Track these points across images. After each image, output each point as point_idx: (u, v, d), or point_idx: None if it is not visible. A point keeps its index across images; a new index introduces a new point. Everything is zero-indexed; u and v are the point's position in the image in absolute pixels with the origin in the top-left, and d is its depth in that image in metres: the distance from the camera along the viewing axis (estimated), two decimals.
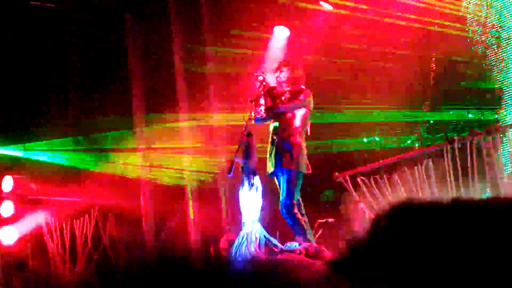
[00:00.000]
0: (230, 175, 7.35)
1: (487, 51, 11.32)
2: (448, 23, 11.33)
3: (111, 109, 12.46)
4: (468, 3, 11.33)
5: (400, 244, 1.56)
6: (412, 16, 11.46)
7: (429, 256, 1.46)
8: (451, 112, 11.46)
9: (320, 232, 8.30)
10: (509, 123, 10.39)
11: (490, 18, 11.27)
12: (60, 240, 10.63)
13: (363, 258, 1.73)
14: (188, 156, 12.27)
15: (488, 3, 11.22)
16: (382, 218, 1.75)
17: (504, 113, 10.90)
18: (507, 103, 10.95)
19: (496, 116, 11.16)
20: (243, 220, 7.31)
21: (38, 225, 11.05)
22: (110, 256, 10.94)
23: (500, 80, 10.99)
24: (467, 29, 11.33)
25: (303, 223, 7.30)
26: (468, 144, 7.99)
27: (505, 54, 10.98)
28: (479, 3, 11.35)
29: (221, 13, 12.38)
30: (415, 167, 8.65)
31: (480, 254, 1.42)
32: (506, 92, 10.96)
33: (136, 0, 12.75)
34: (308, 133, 7.67)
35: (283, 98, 7.52)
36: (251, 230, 7.11)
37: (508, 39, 10.91)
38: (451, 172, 8.35)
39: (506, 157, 9.10)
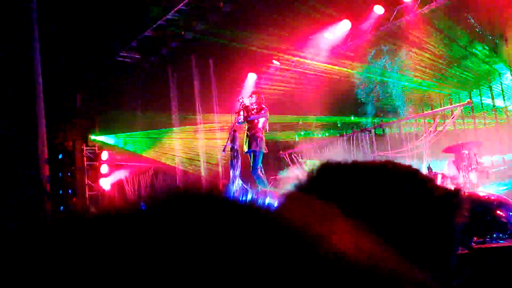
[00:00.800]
0: (223, 152, 10.69)
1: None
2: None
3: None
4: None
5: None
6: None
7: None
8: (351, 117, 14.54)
9: (271, 183, 11.18)
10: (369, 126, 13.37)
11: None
12: (132, 185, 13.97)
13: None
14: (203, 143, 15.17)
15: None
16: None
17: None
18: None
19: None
20: (231, 176, 10.18)
21: (120, 178, 14.36)
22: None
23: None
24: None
25: (263, 179, 9.96)
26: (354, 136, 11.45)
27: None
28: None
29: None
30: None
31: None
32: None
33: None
34: (267, 130, 10.29)
35: (253, 111, 10.10)
36: (235, 181, 9.92)
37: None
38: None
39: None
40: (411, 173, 1.14)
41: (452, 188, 1.16)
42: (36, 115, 12.47)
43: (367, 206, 1.02)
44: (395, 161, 1.15)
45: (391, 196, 1.05)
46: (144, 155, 15.06)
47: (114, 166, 14.71)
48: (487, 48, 11.77)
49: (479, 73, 12.17)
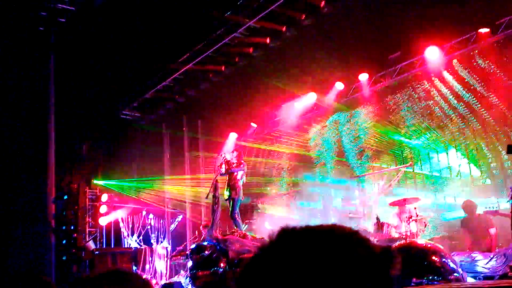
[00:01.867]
0: (206, 199, 10.78)
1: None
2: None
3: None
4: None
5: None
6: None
7: None
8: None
9: (246, 227, 11.29)
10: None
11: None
12: (127, 224, 13.85)
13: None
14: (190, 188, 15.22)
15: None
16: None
17: None
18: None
19: None
20: (212, 219, 10.31)
21: (117, 217, 14.19)
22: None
23: None
24: None
25: (239, 222, 10.12)
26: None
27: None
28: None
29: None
30: None
31: None
32: None
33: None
34: (245, 182, 10.45)
35: (233, 165, 10.23)
36: (216, 222, 10.13)
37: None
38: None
39: None
40: (354, 236, 1.17)
41: (386, 245, 1.22)
42: (47, 161, 12.53)
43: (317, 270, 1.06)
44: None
45: (337, 259, 1.08)
46: (138, 198, 14.94)
47: (112, 207, 14.64)
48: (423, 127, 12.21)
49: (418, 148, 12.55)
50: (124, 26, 12.22)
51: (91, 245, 13.62)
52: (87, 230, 14.01)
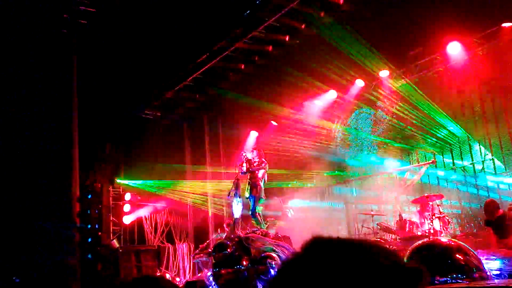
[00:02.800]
0: (228, 197, 10.79)
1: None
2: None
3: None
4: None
5: None
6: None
7: None
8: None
9: (268, 224, 10.89)
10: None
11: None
12: (149, 222, 14.02)
13: None
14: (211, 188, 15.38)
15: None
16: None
17: None
18: None
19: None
20: (233, 218, 10.27)
21: (140, 216, 14.37)
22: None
23: None
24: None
25: (261, 220, 10.05)
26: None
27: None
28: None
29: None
30: None
31: None
32: None
33: None
34: (266, 181, 10.26)
35: (254, 164, 10.16)
36: (238, 220, 10.09)
37: None
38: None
39: None
40: (384, 250, 1.19)
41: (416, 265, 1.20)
42: (71, 160, 12.75)
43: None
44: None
45: (367, 274, 1.11)
46: (161, 196, 15.06)
47: (136, 205, 14.78)
48: (449, 118, 12.03)
49: (442, 138, 12.36)
50: (145, 26, 12.38)
51: (115, 243, 13.81)
52: (111, 228, 14.22)
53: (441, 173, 12.27)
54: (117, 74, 13.66)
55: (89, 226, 13.55)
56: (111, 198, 14.64)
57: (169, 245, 13.47)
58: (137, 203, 14.82)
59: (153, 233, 14.08)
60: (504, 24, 10.59)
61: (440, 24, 10.24)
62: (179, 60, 13.61)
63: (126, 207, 14.66)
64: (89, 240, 13.27)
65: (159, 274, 12.23)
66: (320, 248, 1.20)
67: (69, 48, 12.93)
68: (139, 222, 14.65)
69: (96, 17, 12.72)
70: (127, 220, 14.62)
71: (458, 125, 11.88)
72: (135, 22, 12.37)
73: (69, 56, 12.99)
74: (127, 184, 15.27)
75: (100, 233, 13.69)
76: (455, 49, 11.31)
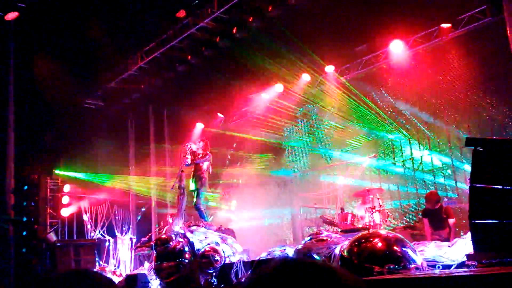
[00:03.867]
0: (172, 189, 10.64)
1: None
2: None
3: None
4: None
5: None
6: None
7: None
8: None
9: (212, 217, 11.49)
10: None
11: None
12: (90, 215, 13.56)
13: None
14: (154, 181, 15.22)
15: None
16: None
17: None
18: None
19: None
20: (177, 210, 9.83)
21: (79, 208, 13.87)
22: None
23: None
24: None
25: (204, 213, 10.08)
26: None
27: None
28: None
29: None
30: None
31: None
32: None
33: None
34: (210, 173, 10.29)
35: (199, 156, 10.06)
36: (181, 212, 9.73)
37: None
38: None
39: None
40: (350, 276, 1.24)
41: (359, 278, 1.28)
42: (6, 150, 12.19)
43: None
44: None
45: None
46: (102, 188, 14.66)
47: (75, 197, 14.34)
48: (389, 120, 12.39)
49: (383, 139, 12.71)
50: (90, 14, 12.07)
51: (52, 236, 13.34)
52: (48, 221, 13.72)
53: (382, 166, 12.57)
54: (59, 61, 13.20)
55: (25, 219, 12.98)
56: (48, 189, 14.16)
57: (110, 238, 13.11)
58: (77, 195, 14.42)
59: (93, 226, 13.66)
60: (442, 25, 11.01)
61: (384, 23, 10.56)
62: (124, 48, 13.29)
63: (65, 199, 14.23)
64: (24, 233, 12.73)
65: (98, 268, 11.89)
66: (289, 270, 1.22)
67: (4, 35, 12.29)
68: (78, 214, 14.20)
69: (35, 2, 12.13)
70: (65, 212, 14.19)
71: (395, 124, 12.23)
72: (81, 7, 12.02)
73: (5, 44, 12.36)
74: (67, 175, 14.83)
75: (36, 226, 13.17)
76: (397, 47, 11.64)
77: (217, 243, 8.79)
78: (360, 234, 6.84)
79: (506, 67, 8.69)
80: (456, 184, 10.80)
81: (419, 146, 11.94)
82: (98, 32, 12.38)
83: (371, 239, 6.37)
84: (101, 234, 13.58)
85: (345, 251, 6.53)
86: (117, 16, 12.12)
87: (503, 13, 8.67)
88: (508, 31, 8.42)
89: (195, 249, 8.66)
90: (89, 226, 13.61)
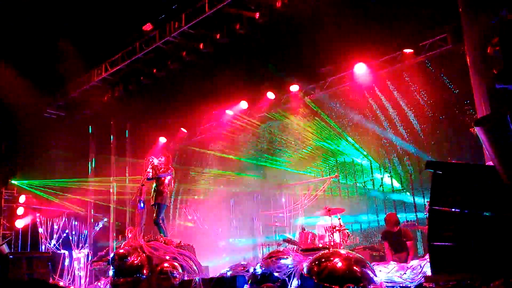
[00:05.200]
0: (132, 203, 10.41)
1: None
2: None
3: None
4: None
5: None
6: None
7: None
8: None
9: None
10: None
11: None
12: (45, 228, 12.95)
13: None
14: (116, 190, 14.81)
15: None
16: None
17: None
18: None
19: None
20: (136, 224, 9.76)
21: (34, 220, 13.23)
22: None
23: None
24: None
25: (163, 228, 9.84)
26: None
27: None
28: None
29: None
30: None
31: None
32: None
33: None
34: (172, 187, 10.31)
35: (160, 170, 9.88)
36: (141, 227, 9.58)
37: None
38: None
39: None
40: None
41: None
42: None
43: None
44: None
45: None
46: (60, 200, 14.17)
47: (31, 209, 13.81)
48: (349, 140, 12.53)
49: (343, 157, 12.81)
50: (54, 22, 11.87)
51: (5, 248, 12.68)
52: (1, 232, 13.13)
53: (343, 187, 12.63)
54: (19, 68, 12.82)
55: None
56: (3, 200, 13.77)
57: (65, 251, 12.62)
58: (33, 206, 13.91)
59: (48, 238, 13.10)
60: (405, 50, 11.27)
61: (349, 46, 10.73)
62: (88, 58, 13.00)
63: (20, 210, 13.67)
64: None
65: (51, 282, 11.40)
66: None
67: None
68: (33, 226, 13.65)
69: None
70: (20, 224, 13.64)
71: (357, 145, 12.35)
72: (45, 15, 11.76)
73: None
74: (23, 186, 14.23)
75: None
76: (361, 69, 11.82)
77: (176, 259, 8.55)
78: (320, 253, 6.79)
79: (466, 93, 8.91)
80: (415, 206, 10.91)
81: (380, 167, 12.07)
82: (61, 41, 12.10)
83: (331, 258, 6.33)
84: (56, 247, 13.05)
85: (305, 270, 6.46)
86: (83, 26, 11.85)
87: (463, 41, 8.91)
88: (468, 60, 8.64)
89: (154, 265, 8.40)
90: (44, 239, 13.04)
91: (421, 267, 6.79)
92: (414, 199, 11.02)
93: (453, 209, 5.29)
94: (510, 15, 4.56)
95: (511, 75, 4.57)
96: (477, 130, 4.83)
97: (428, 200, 6.36)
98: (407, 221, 9.65)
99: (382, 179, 11.96)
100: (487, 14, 7.49)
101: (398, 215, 9.25)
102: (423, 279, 6.10)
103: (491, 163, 5.36)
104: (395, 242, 8.71)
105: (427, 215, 6.02)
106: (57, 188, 14.64)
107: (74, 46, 12.17)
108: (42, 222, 13.53)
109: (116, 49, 12.98)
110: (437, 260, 5.29)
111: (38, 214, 13.64)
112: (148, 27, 12.05)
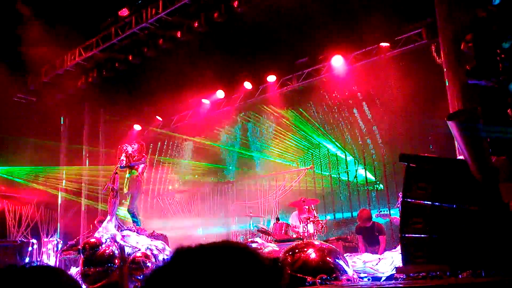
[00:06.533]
0: (104, 191, 10.29)
1: None
2: None
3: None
4: None
5: None
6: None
7: None
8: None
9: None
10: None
11: None
12: (14, 215, 12.71)
13: None
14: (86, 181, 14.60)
15: None
16: None
17: None
18: None
19: None
20: (108, 213, 10.05)
21: (2, 206, 12.97)
22: None
23: None
24: None
25: (138, 217, 9.72)
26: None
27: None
28: None
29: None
30: None
31: None
32: None
33: None
34: (145, 176, 10.54)
35: (134, 158, 9.70)
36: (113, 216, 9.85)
37: None
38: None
39: None
40: (244, 251, 1.24)
41: (274, 257, 1.28)
42: None
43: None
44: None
45: (230, 274, 1.15)
46: (28, 187, 13.89)
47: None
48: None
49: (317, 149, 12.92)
50: (26, 3, 11.46)
51: None
52: None
53: (318, 178, 12.76)
54: None
55: None
56: None
57: (34, 240, 12.45)
58: (0, 193, 13.50)
59: (16, 227, 12.88)
60: (381, 44, 11.42)
61: (326, 38, 10.85)
62: (62, 43, 12.74)
63: None
64: None
65: None
66: (183, 257, 1.21)
67: None
68: (1, 214, 13.34)
69: None
70: None
71: (332, 137, 12.49)
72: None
73: None
74: None
75: None
76: (338, 62, 11.93)
77: (149, 249, 8.52)
78: (294, 244, 6.87)
79: (440, 87, 9.09)
80: (388, 198, 11.10)
81: (355, 159, 12.24)
82: (33, 24, 11.84)
83: (305, 249, 6.44)
84: (25, 236, 12.85)
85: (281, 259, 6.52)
86: (57, 8, 11.60)
87: (438, 37, 9.07)
88: (442, 55, 8.82)
89: (126, 254, 8.33)
90: (12, 227, 12.81)
91: (392, 258, 6.96)
92: (387, 191, 11.20)
93: (424, 202, 5.44)
94: (483, 12, 4.66)
95: (483, 71, 4.69)
96: (449, 124, 4.96)
97: (401, 192, 6.50)
98: (380, 212, 9.83)
99: (356, 170, 12.12)
100: (461, 11, 7.65)
101: (371, 208, 9.41)
102: (394, 270, 6.25)
103: (462, 157, 5.53)
104: (369, 236, 8.92)
105: (399, 207, 6.14)
106: (26, 174, 14.34)
107: (48, 29, 11.87)
108: (10, 210, 13.29)
109: (91, 33, 12.75)
110: (408, 252, 5.45)
111: (5, 201, 13.39)
112: (124, 12, 11.89)
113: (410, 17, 10.58)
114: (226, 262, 1.17)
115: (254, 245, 7.45)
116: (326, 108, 12.68)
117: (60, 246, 12.49)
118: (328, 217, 10.75)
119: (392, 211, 10.31)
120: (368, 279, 6.69)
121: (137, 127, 14.94)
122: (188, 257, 1.20)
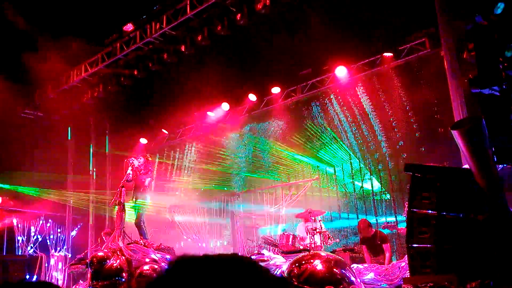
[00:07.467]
0: (111, 205, 10.26)
1: None
2: None
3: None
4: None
5: None
6: None
7: None
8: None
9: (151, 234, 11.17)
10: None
11: None
12: (22, 228, 12.68)
13: None
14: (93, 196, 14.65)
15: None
16: None
17: None
18: None
19: None
20: (115, 227, 10.08)
21: (11, 222, 12.97)
22: None
23: None
24: None
25: (145, 230, 9.65)
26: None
27: None
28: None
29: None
30: None
31: None
32: None
33: None
34: (152, 189, 10.62)
35: (140, 172, 9.74)
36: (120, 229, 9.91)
37: None
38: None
39: None
40: (253, 267, 1.20)
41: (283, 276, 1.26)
42: None
43: None
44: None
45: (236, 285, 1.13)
46: (37, 202, 13.91)
47: (7, 210, 13.54)
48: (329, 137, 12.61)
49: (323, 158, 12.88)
50: (31, 20, 11.66)
51: None
52: None
53: (324, 189, 12.70)
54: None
55: None
56: None
57: (43, 254, 12.45)
58: (9, 208, 13.57)
59: (25, 241, 12.88)
60: (385, 54, 11.44)
61: (329, 49, 10.86)
62: (67, 58, 12.85)
63: None
64: None
65: None
66: (184, 267, 1.18)
67: None
68: (9, 229, 13.34)
69: None
70: None
71: (340, 145, 12.44)
72: (21, 11, 11.63)
73: None
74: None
75: None
76: (342, 72, 11.94)
77: (155, 261, 8.49)
78: (301, 255, 6.83)
79: (444, 96, 9.08)
80: (395, 208, 11.03)
81: (360, 170, 12.17)
82: (40, 41, 11.94)
83: (312, 260, 6.37)
84: (34, 250, 12.84)
85: (286, 272, 6.48)
86: (63, 25, 11.71)
87: (441, 46, 9.08)
88: (446, 64, 8.82)
89: (133, 268, 8.31)
90: (20, 241, 12.80)
91: (399, 268, 6.91)
92: (393, 200, 11.13)
93: (430, 211, 5.40)
94: (484, 21, 4.67)
95: (485, 80, 4.68)
96: (453, 133, 4.94)
97: (407, 202, 6.46)
98: (387, 223, 9.77)
99: (362, 181, 12.05)
100: (463, 20, 7.65)
101: (377, 217, 9.36)
102: (401, 280, 6.19)
103: (468, 166, 5.50)
104: (372, 246, 8.87)
105: (405, 217, 6.10)
106: (34, 189, 14.36)
107: (54, 45, 11.97)
108: (19, 224, 13.30)
109: (96, 49, 12.84)
110: (415, 262, 5.39)
111: (14, 216, 13.40)
112: (128, 27, 11.98)
113: (413, 27, 10.60)
114: (232, 274, 1.15)
115: (260, 257, 7.39)
116: (331, 118, 12.62)
117: (68, 260, 12.44)
118: (334, 228, 10.69)
119: (399, 219, 10.23)
120: None
121: (143, 140, 14.96)
122: (192, 266, 1.18)
